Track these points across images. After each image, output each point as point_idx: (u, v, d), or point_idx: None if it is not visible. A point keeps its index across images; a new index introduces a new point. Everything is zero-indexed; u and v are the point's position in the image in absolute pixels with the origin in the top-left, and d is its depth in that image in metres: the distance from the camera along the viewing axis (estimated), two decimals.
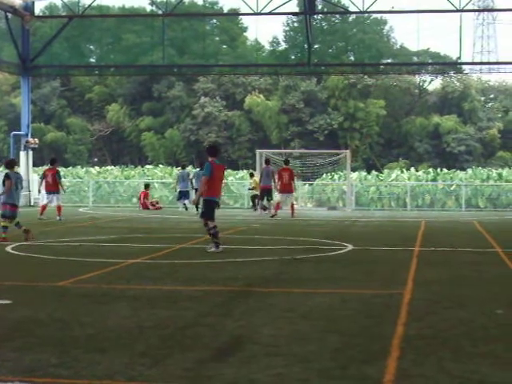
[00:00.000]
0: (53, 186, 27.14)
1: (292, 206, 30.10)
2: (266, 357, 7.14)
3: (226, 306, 9.90)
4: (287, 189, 29.68)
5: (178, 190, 33.77)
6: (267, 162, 32.48)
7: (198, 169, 34.44)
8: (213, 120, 68.14)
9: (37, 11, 43.05)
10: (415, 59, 70.74)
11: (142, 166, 54.65)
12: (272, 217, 28.89)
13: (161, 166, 53.90)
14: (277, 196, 30.79)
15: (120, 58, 50.27)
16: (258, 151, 38.65)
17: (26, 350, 7.29)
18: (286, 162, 31.08)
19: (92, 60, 51.26)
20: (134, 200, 38.93)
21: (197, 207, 27.19)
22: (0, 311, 9.39)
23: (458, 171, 45.55)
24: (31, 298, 10.39)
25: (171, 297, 10.55)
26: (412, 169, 47.68)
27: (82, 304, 9.93)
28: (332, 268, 14.01)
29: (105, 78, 71.01)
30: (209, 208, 16.47)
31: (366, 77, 67.15)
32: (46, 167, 53.18)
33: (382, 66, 54.19)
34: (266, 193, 30.97)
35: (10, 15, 38.19)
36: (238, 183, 41.81)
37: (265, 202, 31.44)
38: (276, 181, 29.96)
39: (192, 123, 69.04)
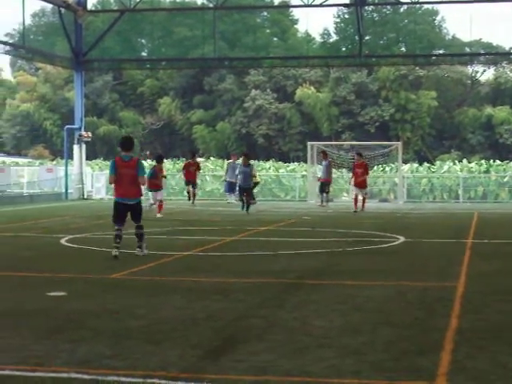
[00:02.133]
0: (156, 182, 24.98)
1: (364, 200, 29.25)
2: (319, 348, 7.14)
3: (277, 298, 9.91)
4: (361, 183, 28.99)
5: (227, 181, 33.94)
6: (325, 154, 32.38)
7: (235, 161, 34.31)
8: (263, 112, 68.11)
9: (89, 6, 43.50)
10: (467, 50, 69.99)
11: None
12: (355, 212, 28.22)
13: (212, 158, 54.04)
14: (353, 190, 30.22)
15: (171, 52, 50.59)
16: (309, 143, 38.62)
17: (80, 342, 7.38)
18: (359, 155, 30.32)
19: (143, 54, 51.62)
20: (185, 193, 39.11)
21: (242, 201, 27.23)
22: (55, 303, 9.51)
23: (511, 163, 44.97)
24: (85, 290, 10.51)
25: (223, 289, 10.58)
26: (464, 160, 47.16)
27: (134, 296, 10.01)
28: (384, 260, 13.95)
29: (156, 72, 71.35)
30: (113, 210, 14.34)
31: (417, 68, 66.51)
32: (98, 161, 53.88)
33: (433, 57, 53.75)
34: (326, 185, 30.98)
35: (63, 10, 38.60)
36: (289, 175, 41.80)
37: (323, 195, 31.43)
38: (352, 175, 29.68)
39: (243, 116, 69.10)
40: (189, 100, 72.66)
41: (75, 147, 39.52)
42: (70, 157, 39.74)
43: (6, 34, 39.69)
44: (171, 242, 17.13)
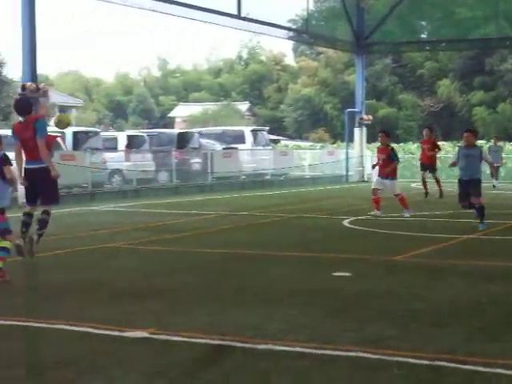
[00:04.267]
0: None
1: None
2: None
3: None
4: None
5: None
6: None
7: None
8: None
9: None
10: None
11: None
12: None
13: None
14: None
15: (451, 33, 49.55)
16: None
17: (365, 322, 7.58)
18: None
19: (423, 36, 50.93)
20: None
21: None
22: (340, 283, 9.81)
23: None
24: (368, 271, 10.73)
25: (507, 274, 10.39)
26: None
27: (416, 278, 10.08)
28: None
29: (436, 54, 70.41)
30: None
31: None
32: (378, 144, 54.17)
33: None
34: None
35: None
36: None
37: None
38: None
39: None
40: (468, 81, 71.02)
41: (356, 130, 40.05)
42: (351, 140, 40.32)
43: (289, 20, 40.65)
44: (452, 224, 16.95)
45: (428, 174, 24.30)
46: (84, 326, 7.32)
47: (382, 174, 18.62)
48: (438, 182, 24.16)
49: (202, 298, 8.87)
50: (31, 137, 11.97)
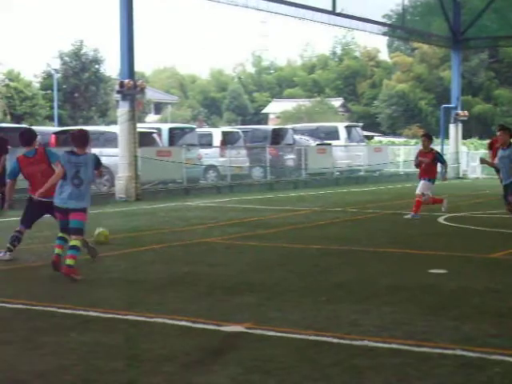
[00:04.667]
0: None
1: None
2: None
3: None
4: None
5: None
6: None
7: None
8: None
9: None
10: None
11: None
12: None
13: None
14: None
15: None
16: None
17: (464, 319, 7.51)
18: None
19: None
20: None
21: None
22: (436, 280, 9.73)
23: None
24: (464, 269, 10.61)
25: None
26: None
27: None
28: None
29: None
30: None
31: None
32: (473, 140, 53.41)
33: None
34: None
35: None
36: None
37: None
38: None
39: None
40: None
41: (451, 126, 39.55)
42: (446, 136, 39.82)
43: (384, 16, 40.33)
44: None
45: None
46: (183, 320, 7.45)
47: (424, 177, 17.98)
48: None
49: (296, 293, 8.91)
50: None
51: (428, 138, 18.28)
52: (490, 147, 20.99)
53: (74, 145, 10.25)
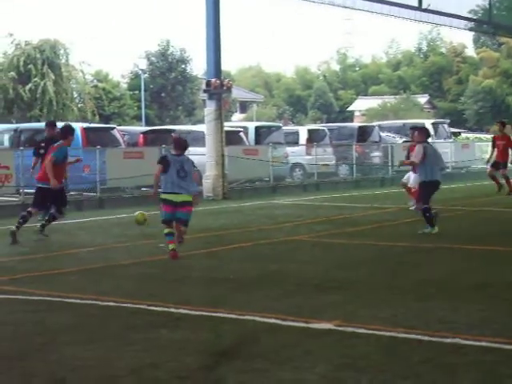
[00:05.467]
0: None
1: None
2: None
3: None
4: None
5: None
6: None
7: None
8: None
9: None
10: None
11: None
12: None
13: None
14: None
15: None
16: None
17: None
18: None
19: None
20: None
21: None
22: None
23: None
24: None
25: None
26: None
27: None
28: None
29: None
30: None
31: None
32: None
33: None
34: None
35: None
36: None
37: None
38: None
39: None
40: None
41: None
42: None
43: (470, 11, 39.69)
44: None
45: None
46: (272, 318, 7.51)
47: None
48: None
49: (385, 290, 8.89)
50: None
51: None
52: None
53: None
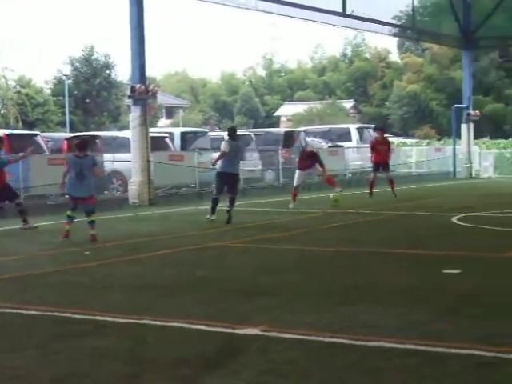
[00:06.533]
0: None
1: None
2: None
3: None
4: None
5: None
6: None
7: None
8: None
9: None
10: None
11: None
12: None
13: None
14: None
15: None
16: None
17: (478, 319, 7.50)
18: None
19: None
20: None
21: None
22: (450, 280, 9.72)
23: None
24: (478, 268, 10.61)
25: None
26: None
27: None
28: None
29: None
30: None
31: None
32: (485, 139, 53.12)
33: None
34: None
35: None
36: None
37: None
38: None
39: None
40: None
41: (463, 126, 39.40)
42: (458, 136, 39.72)
43: (394, 17, 40.23)
44: None
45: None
46: (198, 324, 7.47)
47: None
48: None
49: (311, 295, 8.93)
50: None
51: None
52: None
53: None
